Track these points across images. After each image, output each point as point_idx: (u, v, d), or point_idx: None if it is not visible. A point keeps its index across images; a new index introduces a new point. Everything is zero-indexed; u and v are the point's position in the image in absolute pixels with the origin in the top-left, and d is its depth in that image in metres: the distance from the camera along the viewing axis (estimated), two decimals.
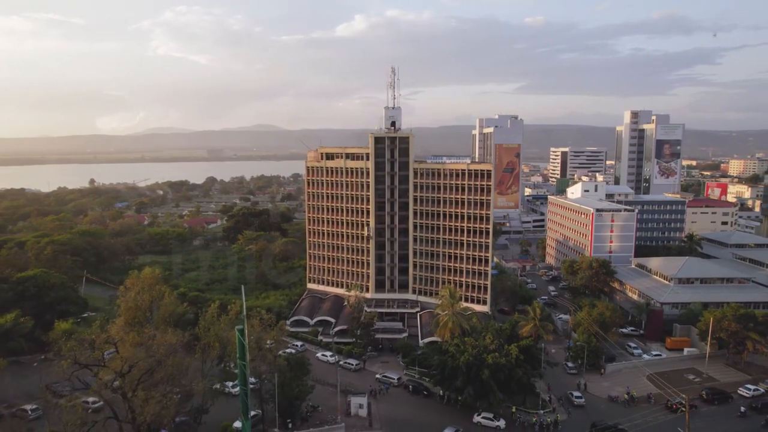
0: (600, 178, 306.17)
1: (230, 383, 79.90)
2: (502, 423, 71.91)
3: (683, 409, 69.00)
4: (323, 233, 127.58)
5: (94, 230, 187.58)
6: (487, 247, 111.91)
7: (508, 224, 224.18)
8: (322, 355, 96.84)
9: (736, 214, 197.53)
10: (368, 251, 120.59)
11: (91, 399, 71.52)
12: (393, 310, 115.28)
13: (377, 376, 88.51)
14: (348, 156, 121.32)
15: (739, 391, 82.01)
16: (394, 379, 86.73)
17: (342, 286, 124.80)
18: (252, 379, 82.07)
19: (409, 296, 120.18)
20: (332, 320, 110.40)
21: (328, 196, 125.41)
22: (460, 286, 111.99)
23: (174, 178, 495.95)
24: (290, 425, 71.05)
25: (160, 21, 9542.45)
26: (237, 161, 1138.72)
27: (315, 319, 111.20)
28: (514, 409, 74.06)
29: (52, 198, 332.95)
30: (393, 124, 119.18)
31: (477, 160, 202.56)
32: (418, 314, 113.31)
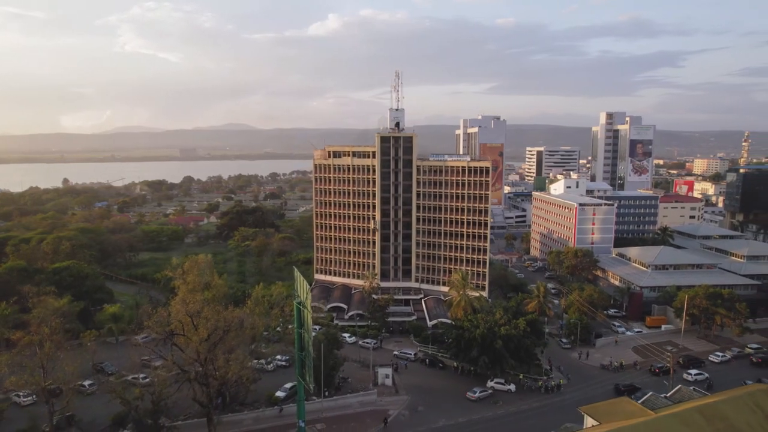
0: (574, 176, 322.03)
1: (263, 361, 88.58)
2: (512, 387, 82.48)
3: (668, 365, 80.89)
4: (330, 227, 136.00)
5: (93, 228, 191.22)
6: (485, 237, 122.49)
7: (492, 220, 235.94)
8: (341, 336, 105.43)
9: (702, 209, 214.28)
10: (374, 243, 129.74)
11: (141, 375, 79.20)
12: (399, 297, 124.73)
13: (395, 352, 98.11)
14: (354, 154, 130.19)
15: (709, 358, 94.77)
16: (410, 354, 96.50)
17: (349, 276, 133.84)
18: (285, 357, 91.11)
19: (413, 284, 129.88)
20: (344, 306, 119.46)
21: (335, 192, 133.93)
22: None
23: (148, 178, 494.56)
24: (326, 393, 79.80)
25: (128, 16, 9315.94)
26: (210, 161, 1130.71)
27: (328, 306, 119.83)
28: (521, 376, 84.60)
29: (26, 198, 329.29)
30: (397, 124, 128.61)
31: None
32: (423, 300, 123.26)
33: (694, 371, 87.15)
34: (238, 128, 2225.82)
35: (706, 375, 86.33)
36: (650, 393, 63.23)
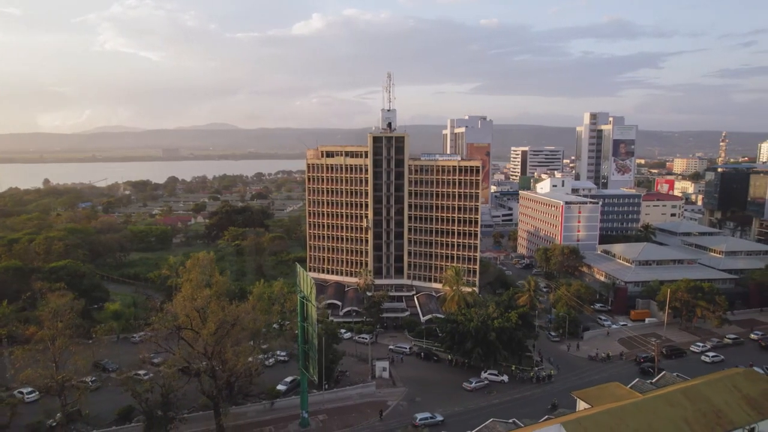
0: (558, 175, 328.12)
1: (263, 356, 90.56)
2: (505, 378, 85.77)
3: (652, 354, 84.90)
4: (323, 225, 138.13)
5: (81, 228, 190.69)
6: (475, 235, 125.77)
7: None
8: (339, 331, 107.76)
9: (682, 207, 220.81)
10: (366, 241, 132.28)
11: (142, 372, 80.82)
12: (392, 294, 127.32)
13: (390, 346, 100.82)
14: (347, 154, 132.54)
15: (691, 348, 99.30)
16: (405, 348, 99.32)
17: (342, 274, 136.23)
18: (284, 352, 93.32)
19: (404, 281, 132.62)
20: (339, 303, 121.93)
21: (328, 191, 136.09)
22: None
23: (131, 178, 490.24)
24: (326, 386, 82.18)
25: (108, 14, 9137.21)
26: (194, 161, 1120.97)
27: (323, 303, 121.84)
28: (513, 367, 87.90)
29: (7, 198, 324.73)
30: (389, 125, 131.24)
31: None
32: (415, 296, 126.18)
33: (711, 353, 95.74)
34: (221, 128, 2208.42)
35: (722, 357, 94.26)
36: (637, 379, 67.08)
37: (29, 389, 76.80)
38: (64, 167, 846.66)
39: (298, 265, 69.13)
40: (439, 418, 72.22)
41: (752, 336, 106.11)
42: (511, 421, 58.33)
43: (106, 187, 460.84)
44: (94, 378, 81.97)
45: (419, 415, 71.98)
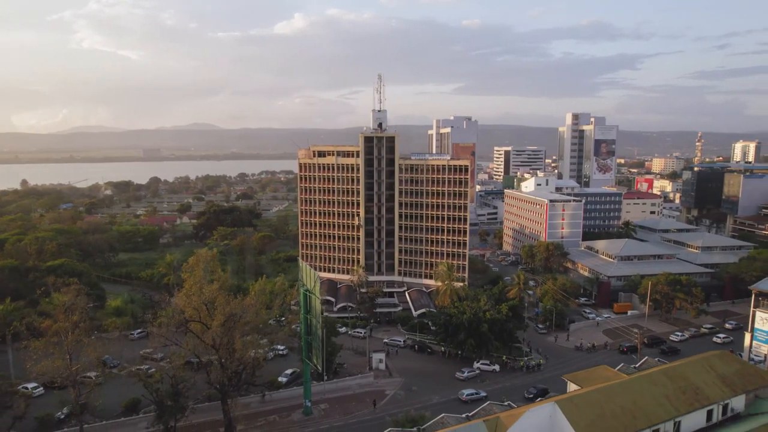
0: (541, 174, 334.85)
1: (264, 350, 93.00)
2: (497, 367, 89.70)
3: (635, 343, 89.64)
4: (315, 224, 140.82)
5: (68, 228, 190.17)
6: (464, 232, 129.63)
7: None
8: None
9: (661, 205, 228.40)
10: (358, 239, 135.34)
11: (144, 366, 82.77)
12: (384, 290, 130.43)
13: (385, 340, 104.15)
14: (339, 154, 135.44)
15: (670, 338, 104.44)
16: (400, 341, 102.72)
17: (334, 271, 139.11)
18: (282, 347, 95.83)
19: (396, 278, 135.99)
20: (332, 299, 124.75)
21: (319, 190, 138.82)
22: None
23: (111, 179, 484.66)
24: (326, 377, 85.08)
25: (85, 12, 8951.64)
26: (176, 161, 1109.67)
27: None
28: (504, 357, 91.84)
29: None
30: (380, 125, 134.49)
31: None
32: (406, 292, 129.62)
33: (722, 335, 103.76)
34: (202, 128, 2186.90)
35: (732, 338, 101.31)
36: (622, 364, 71.35)
37: (34, 384, 78.54)
38: (40, 168, 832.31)
39: (301, 260, 71.93)
40: (483, 393, 76.95)
41: (727, 326, 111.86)
42: (506, 403, 62.03)
43: (86, 187, 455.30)
44: (97, 374, 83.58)
45: (465, 391, 77.11)
